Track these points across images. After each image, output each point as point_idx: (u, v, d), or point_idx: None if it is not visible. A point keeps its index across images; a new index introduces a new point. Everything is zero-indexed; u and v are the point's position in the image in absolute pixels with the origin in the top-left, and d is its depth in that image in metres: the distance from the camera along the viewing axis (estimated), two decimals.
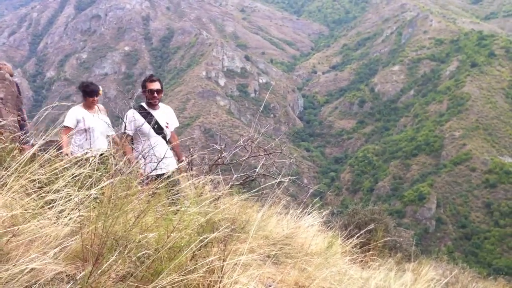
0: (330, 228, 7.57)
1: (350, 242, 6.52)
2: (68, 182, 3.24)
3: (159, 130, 5.66)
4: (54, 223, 2.91)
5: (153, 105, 5.74)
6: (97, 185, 3.22)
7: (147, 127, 5.55)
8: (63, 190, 3.12)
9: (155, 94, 5.71)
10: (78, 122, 6.43)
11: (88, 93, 6.59)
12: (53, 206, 3.03)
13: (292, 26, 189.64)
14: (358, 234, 6.54)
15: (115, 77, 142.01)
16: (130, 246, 2.87)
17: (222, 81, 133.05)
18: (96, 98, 6.66)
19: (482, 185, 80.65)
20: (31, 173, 3.23)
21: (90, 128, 6.40)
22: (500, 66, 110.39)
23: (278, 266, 4.85)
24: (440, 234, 74.28)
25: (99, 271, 2.62)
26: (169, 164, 5.56)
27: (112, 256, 2.70)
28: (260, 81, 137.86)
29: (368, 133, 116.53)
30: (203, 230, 3.41)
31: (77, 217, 2.92)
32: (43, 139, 3.81)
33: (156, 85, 5.70)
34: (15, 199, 2.96)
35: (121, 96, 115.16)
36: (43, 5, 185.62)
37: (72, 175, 3.31)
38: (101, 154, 5.59)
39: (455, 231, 74.53)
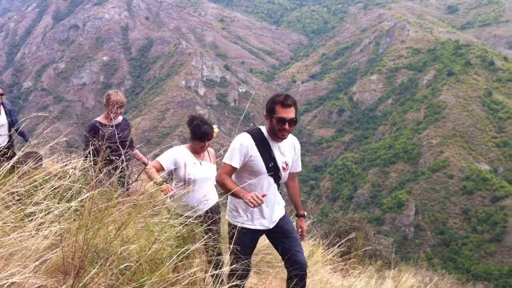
0: (311, 237, 7.60)
1: (332, 251, 6.56)
2: (47, 194, 3.21)
3: (274, 170, 4.11)
4: (34, 236, 2.88)
5: (277, 138, 4.08)
6: (77, 197, 3.19)
7: (260, 164, 4.04)
8: (42, 203, 3.09)
9: (286, 126, 3.96)
10: (176, 166, 5.00)
11: (199, 136, 4.96)
12: (32, 219, 3.00)
13: (272, 36, 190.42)
14: (339, 243, 6.58)
15: (93, 87, 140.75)
16: (112, 259, 2.85)
17: (201, 91, 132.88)
18: (207, 143, 5.07)
19: (460, 192, 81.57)
20: (10, 185, 3.19)
21: (191, 180, 4.94)
22: (476, 75, 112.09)
23: (260, 275, 4.85)
24: (419, 241, 74.84)
25: (81, 284, 2.60)
26: (275, 217, 4.24)
27: (94, 269, 2.68)
28: (240, 90, 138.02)
29: (347, 142, 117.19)
30: (184, 241, 3.40)
31: (57, 229, 2.89)
32: (22, 151, 3.78)
33: (291, 113, 3.96)
34: None
35: (99, 106, 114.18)
36: (21, 15, 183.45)
37: (52, 187, 3.28)
38: (208, 212, 4.88)
39: (434, 237, 75.17)
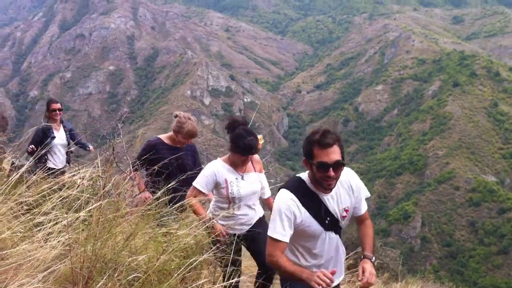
0: None
1: None
2: (56, 204, 3.21)
3: (332, 224, 3.14)
4: (42, 246, 2.88)
5: (324, 189, 3.03)
6: (86, 207, 3.19)
7: (314, 226, 3.06)
8: (51, 213, 3.09)
9: (331, 173, 2.95)
10: (218, 186, 4.22)
11: (241, 149, 4.12)
12: (41, 229, 3.00)
13: (277, 46, 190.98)
14: (347, 256, 6.53)
15: (99, 97, 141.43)
16: (120, 269, 2.84)
17: (207, 100, 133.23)
18: (250, 157, 4.21)
19: (466, 204, 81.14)
20: (19, 195, 3.19)
21: (235, 198, 4.20)
22: (482, 85, 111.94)
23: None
24: (426, 253, 74.37)
25: None
26: (338, 273, 3.32)
27: (102, 279, 2.68)
28: (245, 100, 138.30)
29: (353, 152, 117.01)
30: (192, 252, 3.38)
31: (65, 239, 2.89)
32: (31, 161, 3.78)
33: (333, 154, 2.97)
34: (3, 221, 2.93)
35: (105, 115, 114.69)
36: (27, 25, 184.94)
37: (60, 197, 3.28)
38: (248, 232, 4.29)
39: (440, 249, 74.70)
